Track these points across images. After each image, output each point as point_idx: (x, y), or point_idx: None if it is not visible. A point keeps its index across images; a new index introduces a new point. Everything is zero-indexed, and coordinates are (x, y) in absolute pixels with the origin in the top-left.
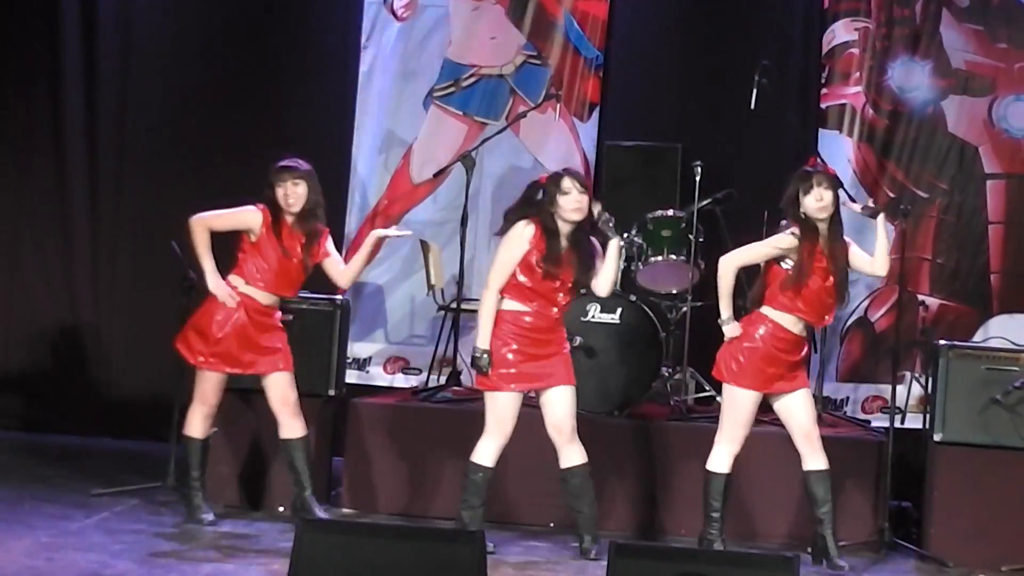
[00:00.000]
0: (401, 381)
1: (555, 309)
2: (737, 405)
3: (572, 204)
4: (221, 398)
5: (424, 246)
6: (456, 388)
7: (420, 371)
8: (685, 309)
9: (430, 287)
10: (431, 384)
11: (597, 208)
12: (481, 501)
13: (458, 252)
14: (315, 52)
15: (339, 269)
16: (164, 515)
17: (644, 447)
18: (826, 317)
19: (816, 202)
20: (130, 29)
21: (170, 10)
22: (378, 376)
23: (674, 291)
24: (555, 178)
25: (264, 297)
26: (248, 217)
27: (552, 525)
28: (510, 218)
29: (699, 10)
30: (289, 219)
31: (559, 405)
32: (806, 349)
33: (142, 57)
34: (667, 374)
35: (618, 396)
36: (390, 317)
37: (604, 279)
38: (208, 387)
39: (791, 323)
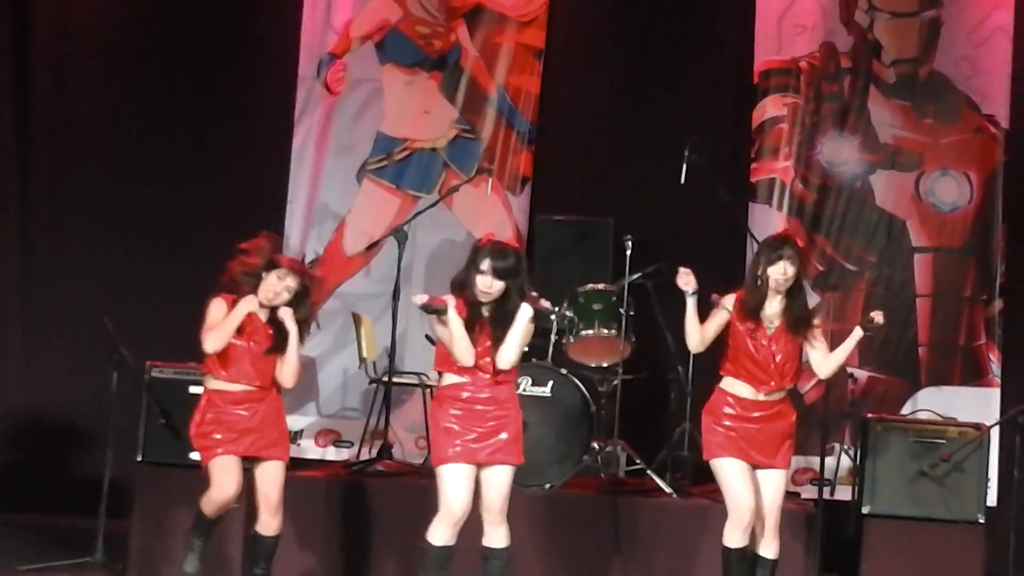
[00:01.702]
0: (333, 454)
1: (488, 376)
2: (720, 476)
3: (480, 285)
4: (239, 487)
5: (356, 319)
6: (388, 461)
7: (352, 444)
8: (616, 382)
9: (362, 360)
10: (363, 457)
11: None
12: None
13: (390, 325)
14: (249, 126)
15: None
16: None
17: (576, 520)
18: (771, 383)
19: (780, 275)
20: (63, 97)
21: (103, 79)
22: (310, 449)
23: (605, 364)
24: (476, 252)
25: (234, 387)
26: (217, 313)
27: None
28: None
29: (631, 85)
30: (261, 312)
31: (494, 485)
32: (783, 428)
33: (76, 127)
34: (598, 447)
35: (549, 469)
36: (322, 390)
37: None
38: (219, 470)
39: (737, 387)
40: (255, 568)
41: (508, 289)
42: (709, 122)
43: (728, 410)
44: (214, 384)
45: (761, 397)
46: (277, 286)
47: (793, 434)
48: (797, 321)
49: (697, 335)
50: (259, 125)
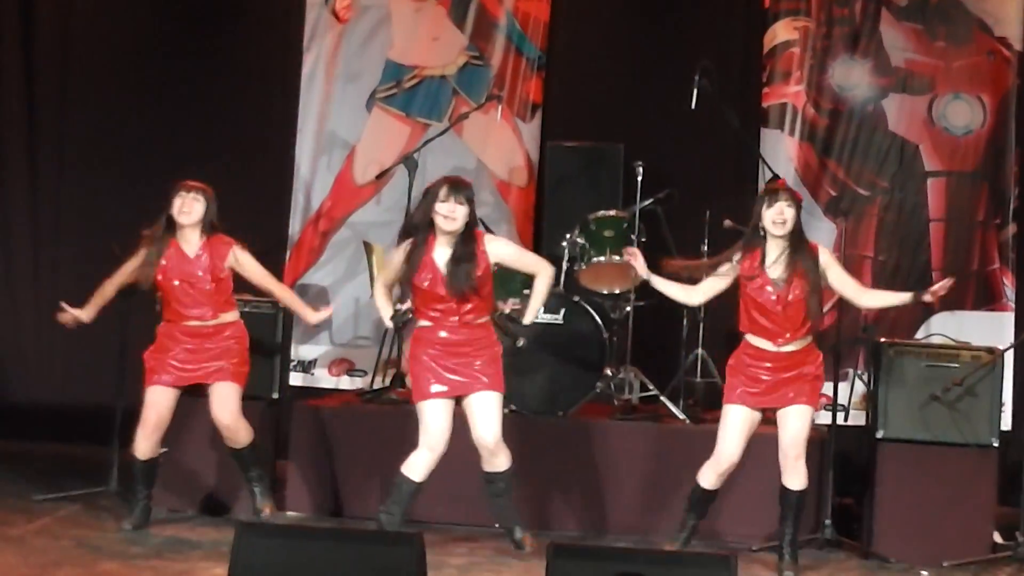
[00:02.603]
0: (347, 383)
1: (455, 319)
2: (723, 420)
3: (443, 211)
4: (165, 419)
5: (367, 248)
6: (401, 390)
7: (365, 373)
8: (628, 309)
9: (374, 289)
10: (376, 386)
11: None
12: (401, 511)
13: None
14: (257, 54)
15: (269, 278)
16: (106, 520)
17: (589, 447)
18: (787, 334)
19: (777, 215)
20: (69, 34)
21: (110, 15)
22: (323, 378)
23: (617, 291)
24: (433, 187)
25: (186, 321)
26: (137, 258)
27: (497, 525)
28: (402, 231)
29: (640, 10)
30: (181, 241)
31: (480, 412)
32: (807, 366)
33: (82, 61)
34: (611, 374)
35: (562, 396)
36: (335, 319)
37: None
38: (147, 402)
39: (757, 341)
40: (248, 474)
41: (468, 225)
42: (720, 46)
43: (749, 361)
44: (167, 326)
45: (780, 349)
46: (184, 200)
47: (820, 375)
48: (805, 270)
49: (684, 294)
50: (268, 54)
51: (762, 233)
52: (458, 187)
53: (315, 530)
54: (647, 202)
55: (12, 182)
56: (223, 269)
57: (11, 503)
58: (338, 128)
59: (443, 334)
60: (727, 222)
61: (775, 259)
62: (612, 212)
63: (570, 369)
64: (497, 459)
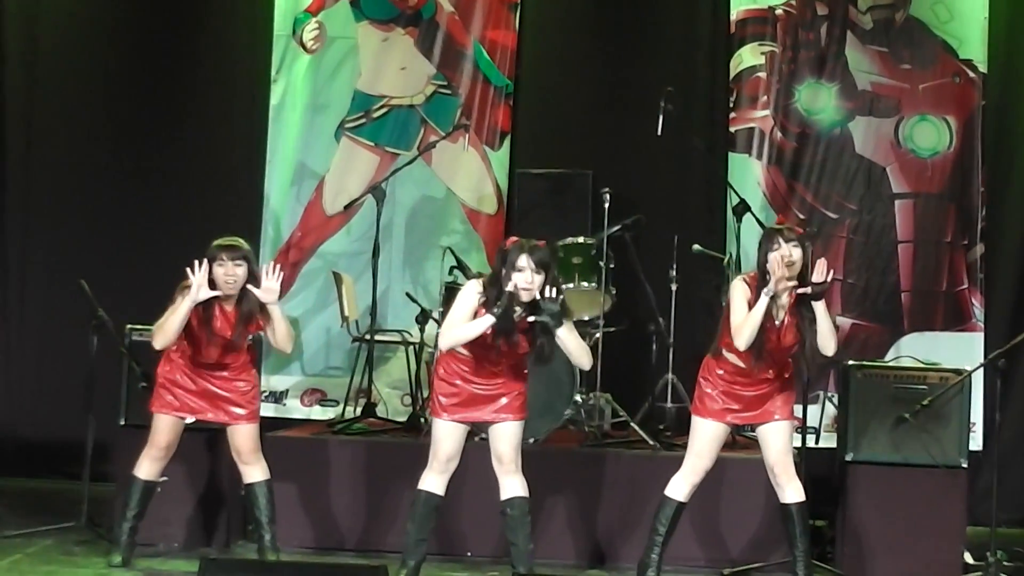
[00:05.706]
0: (318, 413)
1: (499, 367)
2: (696, 433)
3: (523, 283)
4: (174, 445)
5: (337, 278)
6: (372, 420)
7: (337, 403)
8: (598, 335)
9: (344, 319)
10: (348, 415)
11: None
12: (416, 527)
13: (371, 283)
14: (225, 86)
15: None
16: (78, 555)
17: (560, 474)
18: (771, 371)
19: (781, 259)
20: (36, 63)
21: (76, 44)
22: (295, 409)
23: (586, 317)
24: (511, 251)
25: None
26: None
27: (469, 554)
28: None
29: (607, 38)
30: (223, 300)
31: (501, 438)
32: (781, 383)
33: (48, 92)
34: (581, 400)
35: (533, 423)
36: (306, 349)
37: (575, 359)
38: (156, 429)
39: (736, 360)
40: (262, 532)
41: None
42: (686, 72)
43: (726, 376)
44: (177, 361)
45: (748, 367)
46: (227, 268)
47: (790, 387)
48: (801, 316)
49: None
50: (236, 86)
51: (767, 273)
52: (539, 254)
53: (278, 565)
54: (615, 228)
55: None
56: (254, 330)
57: None
58: (307, 159)
59: (469, 367)
60: (695, 247)
61: (783, 297)
62: (580, 239)
63: (541, 396)
64: (511, 481)
